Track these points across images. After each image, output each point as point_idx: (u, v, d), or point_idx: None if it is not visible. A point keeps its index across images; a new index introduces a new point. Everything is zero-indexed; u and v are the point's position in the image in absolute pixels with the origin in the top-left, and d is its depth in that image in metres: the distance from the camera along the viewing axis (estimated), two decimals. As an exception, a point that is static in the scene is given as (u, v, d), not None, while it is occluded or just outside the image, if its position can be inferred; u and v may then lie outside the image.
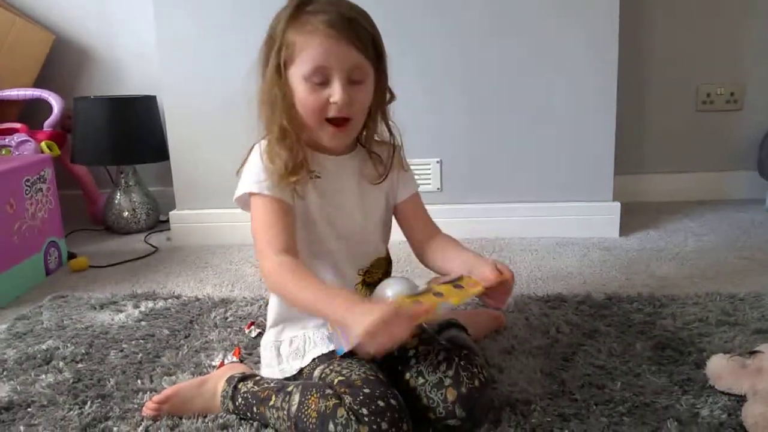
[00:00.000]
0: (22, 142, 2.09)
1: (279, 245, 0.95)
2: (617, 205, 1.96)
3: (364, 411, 0.84)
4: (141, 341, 1.30)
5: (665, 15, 2.25)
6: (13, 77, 2.21)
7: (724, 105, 2.31)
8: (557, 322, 1.32)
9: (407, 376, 0.96)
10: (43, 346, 1.29)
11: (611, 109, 1.92)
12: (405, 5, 1.89)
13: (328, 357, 0.99)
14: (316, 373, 0.97)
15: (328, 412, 0.85)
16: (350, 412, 0.84)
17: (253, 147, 1.02)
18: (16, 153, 2.07)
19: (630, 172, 2.28)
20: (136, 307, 1.48)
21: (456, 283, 0.97)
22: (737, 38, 2.27)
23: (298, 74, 0.95)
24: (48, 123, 2.17)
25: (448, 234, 1.13)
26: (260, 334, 1.29)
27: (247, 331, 1.32)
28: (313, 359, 1.00)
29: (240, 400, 0.99)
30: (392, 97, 1.05)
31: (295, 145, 0.97)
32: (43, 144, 2.10)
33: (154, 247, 2.01)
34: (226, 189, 2.04)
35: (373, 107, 1.03)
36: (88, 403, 1.06)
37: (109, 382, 1.13)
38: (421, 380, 0.94)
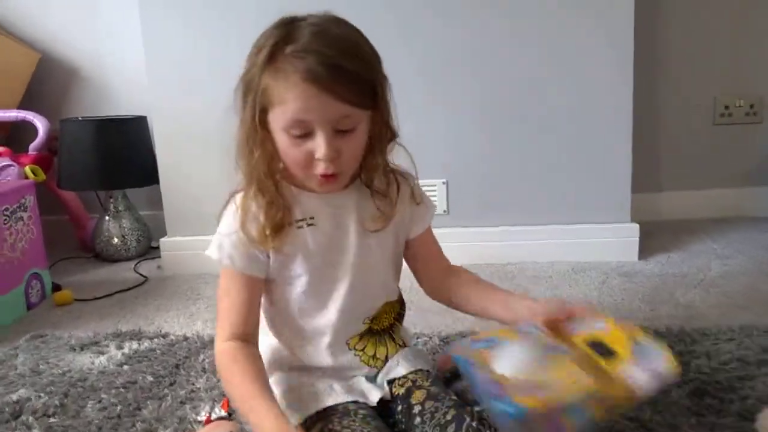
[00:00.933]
0: (5, 167, 1.98)
1: (231, 329, 0.88)
2: (635, 226, 1.84)
3: None
4: (122, 390, 1.18)
5: (681, 25, 2.14)
6: (-3, 99, 2.11)
7: (743, 117, 2.20)
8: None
9: None
10: (14, 397, 1.16)
11: (627, 123, 1.80)
12: (413, 10, 1.78)
13: (326, 413, 0.88)
14: (314, 430, 0.86)
15: None
16: None
17: (232, 195, 0.91)
18: (0, 180, 1.96)
19: (646, 190, 2.16)
20: (119, 348, 1.36)
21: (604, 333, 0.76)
22: (757, 48, 2.16)
23: (277, 123, 0.83)
24: (33, 146, 2.07)
25: (465, 269, 1.03)
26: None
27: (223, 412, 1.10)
28: (310, 416, 0.89)
29: None
30: (392, 135, 0.91)
31: (276, 200, 0.87)
32: (27, 169, 1.99)
33: (143, 276, 1.90)
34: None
35: (373, 143, 0.90)
36: (57, 468, 0.94)
37: (83, 441, 1.02)
38: None
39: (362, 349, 0.96)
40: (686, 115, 2.20)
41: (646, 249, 1.86)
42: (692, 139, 2.22)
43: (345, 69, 0.79)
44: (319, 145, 0.81)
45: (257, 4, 1.68)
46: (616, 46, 1.77)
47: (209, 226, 1.92)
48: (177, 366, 1.27)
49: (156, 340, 1.40)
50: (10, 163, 1.99)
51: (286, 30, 0.81)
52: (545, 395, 0.71)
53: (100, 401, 1.14)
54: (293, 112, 0.80)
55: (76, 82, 2.27)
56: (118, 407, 1.12)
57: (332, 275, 0.92)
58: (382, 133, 0.89)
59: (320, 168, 0.83)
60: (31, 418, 1.09)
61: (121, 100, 2.24)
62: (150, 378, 1.22)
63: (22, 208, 1.67)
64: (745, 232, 2.06)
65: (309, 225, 0.90)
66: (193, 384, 1.19)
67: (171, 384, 1.20)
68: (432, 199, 1.85)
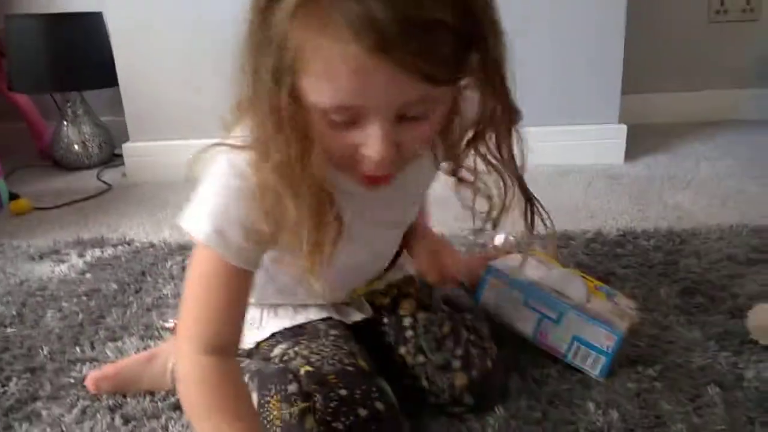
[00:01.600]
0: (-52, 68, 1.82)
1: (206, 340, 0.61)
2: (623, 128, 1.77)
3: (339, 426, 0.64)
4: (83, 298, 1.11)
5: None
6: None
7: (739, 15, 2.09)
8: (566, 263, 1.14)
9: (402, 350, 0.78)
10: (-32, 307, 1.10)
11: (619, 20, 1.69)
12: None
13: (293, 333, 0.76)
14: (276, 351, 0.74)
15: (294, 421, 0.64)
16: (322, 426, 0.64)
17: (220, 146, 0.61)
18: (-59, 80, 1.81)
19: (635, 92, 2.07)
20: (81, 256, 1.28)
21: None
22: (756, -63, 2.03)
23: (311, 97, 0.53)
24: (-23, 45, 1.90)
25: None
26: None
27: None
28: (273, 334, 0.77)
29: None
30: (510, 119, 0.62)
31: (302, 185, 0.56)
32: (-28, 69, 1.84)
33: (107, 184, 1.79)
34: (186, 117, 1.80)
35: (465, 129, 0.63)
36: (14, 379, 0.88)
37: (42, 350, 0.95)
38: (421, 358, 0.77)
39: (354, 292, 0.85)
40: (679, 12, 2.09)
41: (633, 151, 1.80)
42: (685, 38, 2.11)
43: (429, 22, 0.48)
44: (370, 139, 0.54)
45: None
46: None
47: (175, 129, 1.84)
48: (143, 273, 1.20)
49: (120, 247, 1.32)
50: (-47, 64, 1.83)
51: None
52: (623, 321, 0.84)
53: (60, 310, 1.07)
54: (337, 94, 0.51)
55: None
56: (80, 316, 1.05)
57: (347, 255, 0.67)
58: (490, 116, 0.61)
59: (368, 166, 0.56)
60: (-14, 329, 1.02)
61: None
62: (114, 286, 1.15)
63: (-32, 110, 1.54)
64: (736, 134, 2.01)
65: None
66: (161, 291, 1.13)
67: (136, 291, 1.13)
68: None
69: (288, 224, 0.57)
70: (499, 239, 1.23)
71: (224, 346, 0.62)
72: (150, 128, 1.80)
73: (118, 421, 0.78)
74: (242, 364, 0.75)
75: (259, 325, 0.79)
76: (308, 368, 0.69)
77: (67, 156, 1.96)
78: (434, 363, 0.76)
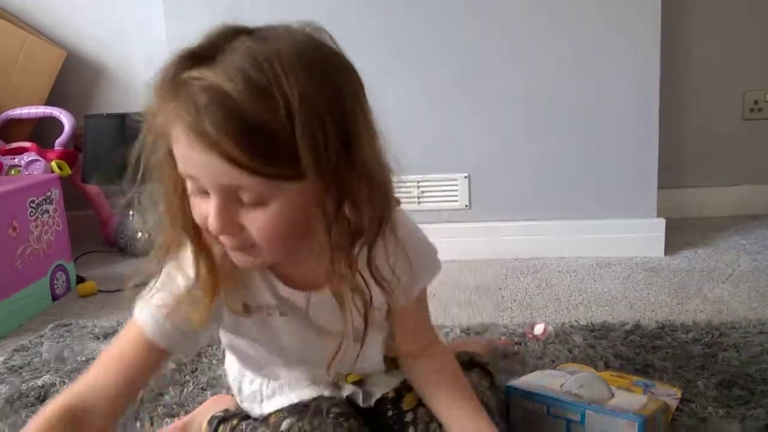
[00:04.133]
0: (32, 161, 2.01)
1: (78, 390, 0.69)
2: (662, 222, 1.81)
3: None
4: (144, 376, 1.18)
5: (709, 18, 2.10)
6: (25, 95, 2.14)
7: (773, 113, 2.15)
8: (605, 354, 1.17)
9: None
10: (39, 382, 1.18)
11: (653, 116, 1.77)
12: (439, 2, 1.77)
13: (297, 408, 0.79)
14: (284, 426, 0.76)
15: None
16: None
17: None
18: (26, 173, 1.99)
19: (673, 186, 2.12)
20: (142, 337, 1.37)
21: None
22: (786, 41, 2.11)
23: (178, 164, 0.61)
24: (59, 141, 2.10)
25: (447, 353, 0.86)
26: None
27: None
28: (283, 410, 0.80)
29: None
30: (375, 229, 0.64)
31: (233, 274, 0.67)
32: (53, 163, 2.02)
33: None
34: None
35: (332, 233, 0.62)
36: (80, 450, 0.95)
37: (105, 425, 1.02)
38: None
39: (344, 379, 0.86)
40: (715, 110, 2.16)
41: (672, 245, 1.83)
42: (721, 135, 2.17)
43: (247, 115, 0.54)
44: (210, 209, 0.60)
45: None
46: (642, 38, 1.74)
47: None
48: (198, 354, 1.27)
49: (178, 329, 1.40)
50: (37, 158, 2.02)
51: (212, 42, 0.59)
52: (644, 407, 0.88)
53: (122, 387, 1.15)
54: (180, 162, 0.60)
55: (101, 79, 2.30)
56: (141, 393, 1.12)
57: (305, 364, 0.80)
58: (342, 219, 0.61)
59: (220, 238, 0.63)
60: (55, 403, 1.10)
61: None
62: (172, 365, 1.22)
63: (47, 200, 1.69)
64: (775, 228, 2.02)
65: (281, 314, 0.74)
66: (215, 371, 1.19)
67: (193, 371, 1.20)
68: (453, 193, 1.84)
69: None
70: (538, 329, 1.27)
71: (93, 407, 0.68)
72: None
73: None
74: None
75: (261, 401, 0.84)
76: None
77: (132, 243, 2.10)
78: None
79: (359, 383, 0.83)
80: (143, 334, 0.70)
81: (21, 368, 1.25)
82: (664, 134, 1.81)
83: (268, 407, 0.83)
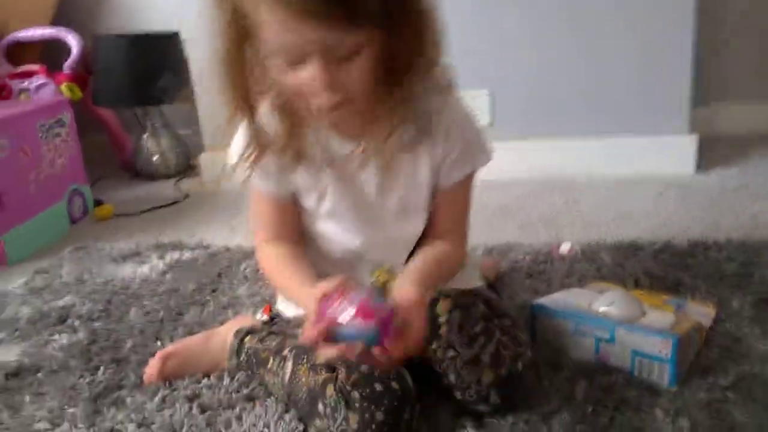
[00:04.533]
0: (42, 85, 1.96)
1: (266, 234, 0.86)
2: (694, 138, 1.72)
3: (356, 395, 0.72)
4: (164, 297, 1.18)
5: None
6: (29, 17, 2.06)
7: (818, 20, 2.01)
8: (634, 272, 1.13)
9: (434, 345, 0.79)
10: (60, 303, 1.18)
11: (688, 29, 1.66)
12: None
13: None
14: None
15: (317, 389, 0.74)
16: (340, 394, 0.72)
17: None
18: (36, 97, 1.94)
19: (707, 102, 2.02)
20: (161, 258, 1.36)
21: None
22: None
23: (267, 46, 0.69)
24: (68, 64, 2.03)
25: (451, 243, 0.85)
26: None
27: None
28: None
29: (244, 356, 0.89)
30: (430, 62, 0.73)
31: (293, 121, 0.76)
32: (63, 86, 1.97)
33: (184, 193, 1.88)
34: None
35: (396, 71, 0.72)
36: (101, 368, 0.95)
37: (126, 343, 1.02)
38: (451, 353, 0.78)
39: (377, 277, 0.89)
40: (755, 18, 2.02)
41: (704, 162, 1.75)
42: (757, 46, 2.04)
43: None
44: (315, 74, 0.67)
45: None
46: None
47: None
48: (219, 275, 1.26)
49: (197, 251, 1.38)
50: (46, 81, 1.97)
51: None
52: (677, 326, 0.86)
53: (142, 307, 1.14)
54: (272, 43, 0.67)
55: (107, -2, 2.21)
56: (161, 312, 1.11)
57: (350, 222, 0.85)
58: (409, 58, 0.72)
59: (321, 99, 0.70)
60: (77, 322, 1.10)
61: (153, 16, 2.17)
62: (192, 286, 1.21)
63: (59, 124, 1.65)
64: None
65: (329, 166, 0.81)
66: (235, 291, 1.18)
67: (213, 291, 1.19)
68: (475, 111, 1.76)
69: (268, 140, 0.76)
70: (564, 247, 1.23)
71: (282, 235, 0.85)
72: (225, 140, 1.87)
73: (195, 409, 0.83)
74: (288, 342, 0.85)
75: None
76: None
77: (147, 166, 2.07)
78: (463, 357, 0.77)
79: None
80: (267, 195, 0.84)
81: (42, 290, 1.25)
82: (699, 48, 1.70)
83: (299, 311, 0.85)
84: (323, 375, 0.75)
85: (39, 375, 0.95)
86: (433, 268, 0.81)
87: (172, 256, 1.36)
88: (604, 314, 0.89)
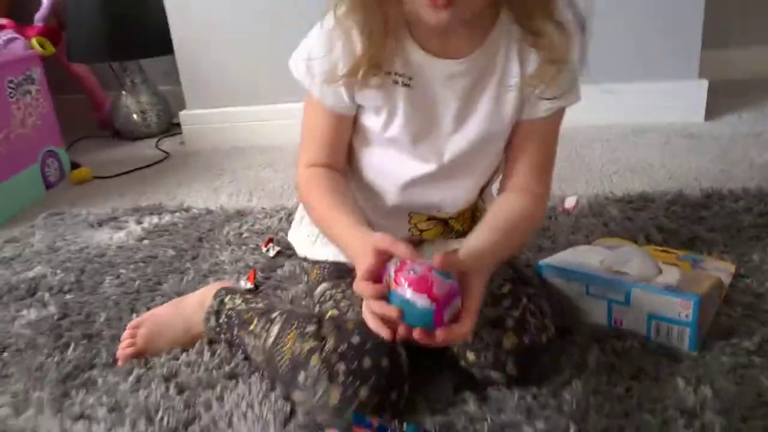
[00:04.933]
0: (10, 40, 1.82)
1: (313, 158, 0.76)
2: (704, 83, 1.62)
3: (341, 367, 0.65)
4: (141, 264, 1.10)
5: None
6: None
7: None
8: (645, 227, 1.05)
9: None
10: (30, 274, 1.10)
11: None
12: None
13: (338, 272, 0.80)
14: (319, 289, 0.81)
15: (301, 357, 0.68)
16: (324, 364, 0.66)
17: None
18: (4, 52, 1.82)
19: (716, 46, 1.90)
20: (139, 223, 1.27)
21: None
22: None
23: None
24: (38, 17, 1.91)
25: (532, 198, 0.75)
26: (279, 253, 1.07)
27: (264, 249, 1.10)
28: (325, 267, 0.83)
29: (223, 317, 0.82)
30: None
31: (376, 27, 0.67)
32: (33, 41, 1.84)
33: (165, 152, 1.79)
34: (242, 84, 1.77)
35: None
36: (72, 345, 0.87)
37: (99, 317, 0.94)
38: None
39: (422, 231, 0.82)
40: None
41: (713, 109, 1.66)
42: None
43: None
44: None
45: None
46: None
47: (232, 96, 1.82)
48: (200, 239, 1.18)
49: (178, 214, 1.30)
50: (15, 35, 1.84)
51: None
52: (698, 287, 0.78)
53: (117, 277, 1.06)
54: None
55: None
56: (137, 282, 1.04)
57: (415, 151, 0.75)
58: None
59: None
60: (47, 295, 1.02)
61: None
62: (171, 252, 1.13)
63: (28, 80, 1.55)
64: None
65: (404, 85, 0.71)
66: (217, 257, 1.10)
67: (193, 258, 1.11)
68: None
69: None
70: (569, 201, 1.15)
71: (329, 162, 0.76)
72: (206, 96, 1.77)
73: (172, 390, 0.76)
74: (278, 305, 0.81)
75: (314, 242, 0.84)
76: (334, 312, 0.74)
77: (126, 126, 1.97)
78: (486, 316, 0.69)
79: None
80: (329, 109, 0.74)
81: (12, 260, 1.17)
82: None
83: (313, 254, 0.84)
84: (310, 343, 0.68)
85: (4, 355, 0.87)
86: (504, 240, 0.70)
87: (150, 220, 1.28)
88: (618, 274, 0.81)
